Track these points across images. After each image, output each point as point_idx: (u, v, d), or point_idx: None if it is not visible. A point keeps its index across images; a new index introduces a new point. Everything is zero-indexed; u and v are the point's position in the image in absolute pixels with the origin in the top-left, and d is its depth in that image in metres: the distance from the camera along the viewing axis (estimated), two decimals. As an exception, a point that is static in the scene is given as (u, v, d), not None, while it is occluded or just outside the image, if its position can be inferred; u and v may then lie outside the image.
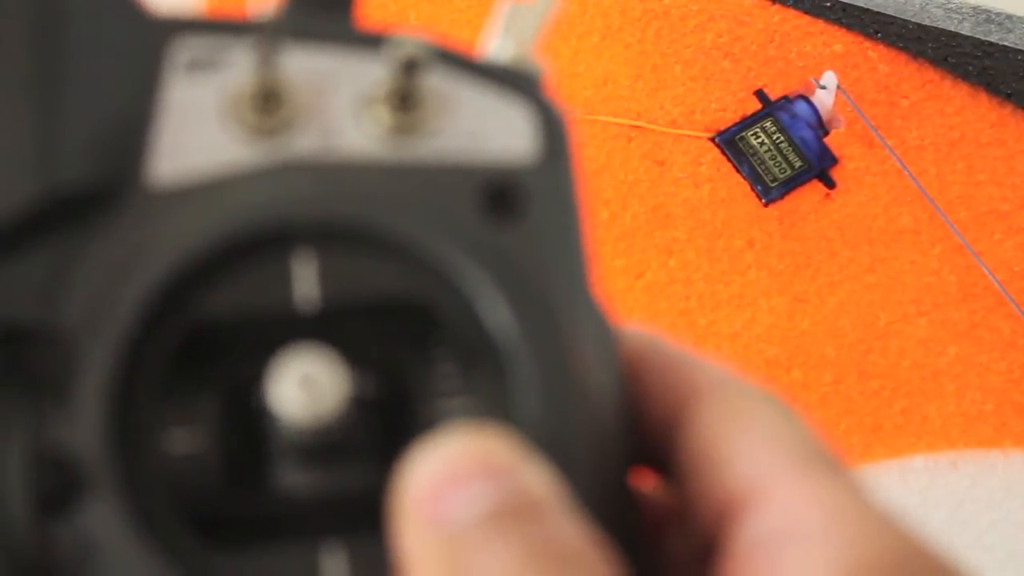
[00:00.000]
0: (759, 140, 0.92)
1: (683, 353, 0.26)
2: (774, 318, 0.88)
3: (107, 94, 0.24)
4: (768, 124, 0.93)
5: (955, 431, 0.86)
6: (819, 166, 0.92)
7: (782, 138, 0.92)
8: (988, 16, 0.94)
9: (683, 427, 0.24)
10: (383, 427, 0.24)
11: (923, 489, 0.85)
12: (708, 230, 0.90)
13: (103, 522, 0.22)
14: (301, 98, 0.25)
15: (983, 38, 0.93)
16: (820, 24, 0.95)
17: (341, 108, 0.25)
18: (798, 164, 0.92)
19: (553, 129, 0.25)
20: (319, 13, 0.27)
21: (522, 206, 0.25)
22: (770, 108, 0.93)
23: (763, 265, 0.89)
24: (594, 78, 0.93)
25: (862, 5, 0.94)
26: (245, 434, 0.24)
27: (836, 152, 0.92)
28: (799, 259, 0.90)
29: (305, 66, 0.25)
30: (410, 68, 0.24)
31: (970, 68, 0.94)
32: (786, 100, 0.93)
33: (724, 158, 0.92)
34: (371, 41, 0.26)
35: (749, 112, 0.93)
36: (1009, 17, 0.94)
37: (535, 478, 0.22)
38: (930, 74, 0.94)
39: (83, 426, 0.22)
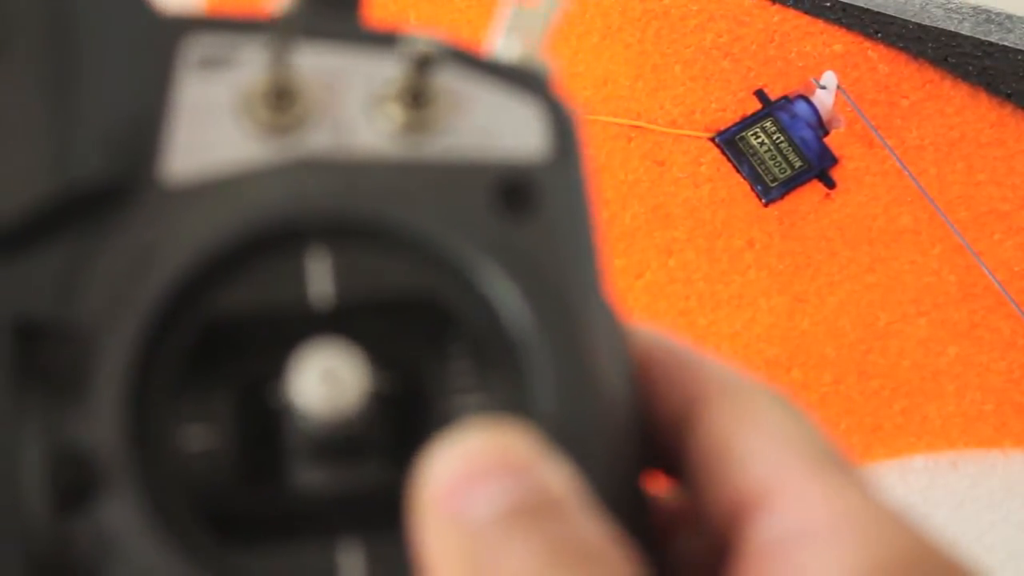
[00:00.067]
0: (759, 140, 0.92)
1: (691, 352, 0.26)
2: (774, 318, 0.88)
3: (120, 92, 0.24)
4: (768, 124, 0.93)
5: (955, 431, 0.86)
6: (819, 166, 0.92)
7: (782, 138, 0.92)
8: (988, 16, 0.94)
9: (693, 427, 0.24)
10: (398, 424, 0.24)
11: (923, 489, 0.85)
12: (708, 230, 0.90)
13: (120, 518, 0.22)
14: (314, 96, 0.25)
15: (983, 38, 0.93)
16: (820, 24, 0.95)
17: (353, 106, 0.25)
18: (798, 164, 0.92)
19: (563, 127, 0.26)
20: (326, 11, 0.27)
21: (536, 202, 0.25)
22: (770, 108, 0.93)
23: (763, 265, 0.89)
24: (594, 78, 0.93)
25: (862, 5, 0.94)
26: (260, 432, 0.24)
27: (836, 152, 0.92)
28: (799, 259, 0.90)
29: (317, 64, 0.25)
30: (423, 66, 0.24)
31: (970, 68, 0.94)
32: (786, 100, 0.93)
33: (724, 158, 0.92)
34: (382, 40, 0.26)
35: (749, 112, 0.93)
36: (1009, 17, 0.94)
37: (554, 475, 0.22)
38: (930, 74, 0.94)
39: (100, 422, 0.22)
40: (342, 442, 0.23)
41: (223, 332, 0.24)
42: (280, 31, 0.24)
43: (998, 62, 0.93)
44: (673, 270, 0.89)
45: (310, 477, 0.24)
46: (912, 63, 0.95)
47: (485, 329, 0.24)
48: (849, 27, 0.95)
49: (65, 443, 0.22)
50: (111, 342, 0.23)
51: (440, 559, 0.21)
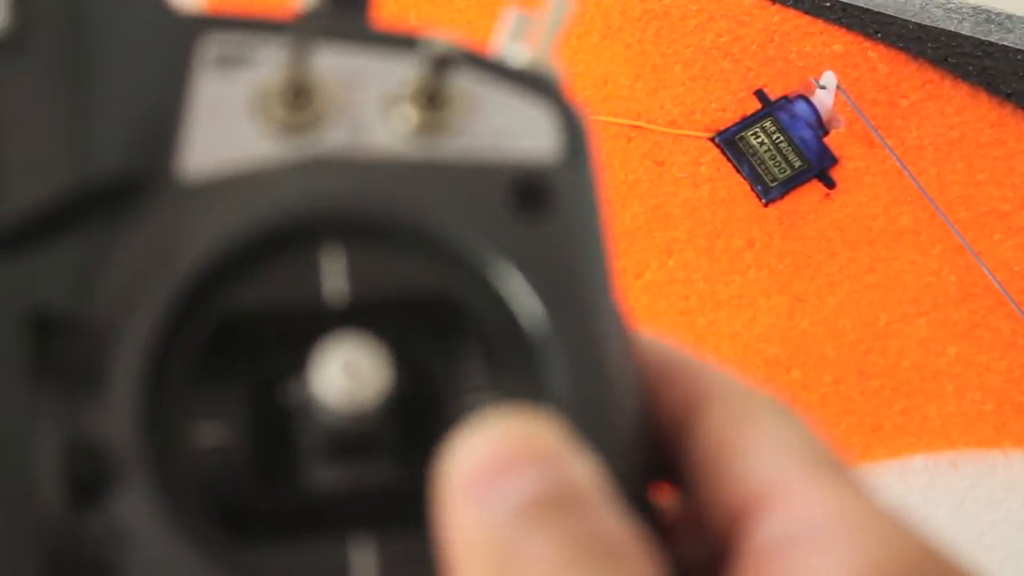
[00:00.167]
0: (759, 140, 0.92)
1: (690, 359, 0.26)
2: (774, 318, 0.88)
3: (138, 89, 0.25)
4: (768, 124, 0.93)
5: (955, 431, 0.86)
6: (819, 166, 0.92)
7: (782, 138, 0.92)
8: (988, 16, 0.94)
9: (693, 431, 0.25)
10: (409, 423, 0.24)
11: (923, 489, 0.85)
12: (708, 230, 0.90)
13: (134, 512, 0.22)
14: (330, 95, 0.25)
15: (983, 38, 0.93)
16: (820, 24, 0.95)
17: (369, 106, 0.25)
18: (798, 164, 0.92)
19: (575, 131, 0.26)
20: (336, 12, 0.27)
21: (551, 203, 0.25)
22: (770, 108, 0.93)
23: (763, 265, 0.89)
24: (594, 78, 0.93)
25: (862, 5, 0.94)
26: (272, 430, 0.24)
27: (836, 152, 0.92)
28: (799, 259, 0.90)
29: (334, 63, 0.26)
30: (441, 66, 0.25)
31: (970, 68, 0.94)
32: (786, 100, 0.93)
33: (724, 158, 0.92)
34: (397, 41, 0.26)
35: (749, 112, 0.93)
36: (1009, 17, 0.94)
37: (580, 467, 0.22)
38: (930, 74, 0.94)
39: (115, 417, 0.23)
40: (355, 439, 0.24)
41: (237, 329, 0.24)
42: (302, 30, 0.24)
43: (998, 62, 0.93)
44: (673, 270, 0.89)
45: (322, 475, 0.24)
46: (912, 63, 0.95)
47: (499, 328, 0.24)
48: (849, 27, 0.95)
49: (80, 436, 0.22)
50: (127, 337, 0.23)
51: (464, 546, 0.21)
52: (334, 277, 0.24)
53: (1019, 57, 0.93)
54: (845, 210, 0.91)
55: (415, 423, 0.24)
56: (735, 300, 0.89)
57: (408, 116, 0.25)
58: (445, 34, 0.25)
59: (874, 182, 0.92)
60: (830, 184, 0.91)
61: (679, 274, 0.89)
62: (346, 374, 0.23)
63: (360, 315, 0.24)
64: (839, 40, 0.95)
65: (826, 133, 0.93)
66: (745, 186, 0.91)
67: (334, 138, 0.25)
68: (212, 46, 0.25)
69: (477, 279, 0.24)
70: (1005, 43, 0.93)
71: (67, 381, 0.23)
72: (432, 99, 0.25)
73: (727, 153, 0.92)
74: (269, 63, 0.25)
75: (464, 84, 0.26)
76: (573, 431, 0.23)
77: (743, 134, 0.92)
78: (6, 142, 0.23)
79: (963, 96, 0.94)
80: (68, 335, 0.23)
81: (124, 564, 0.22)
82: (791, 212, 0.91)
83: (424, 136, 0.25)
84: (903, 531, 0.22)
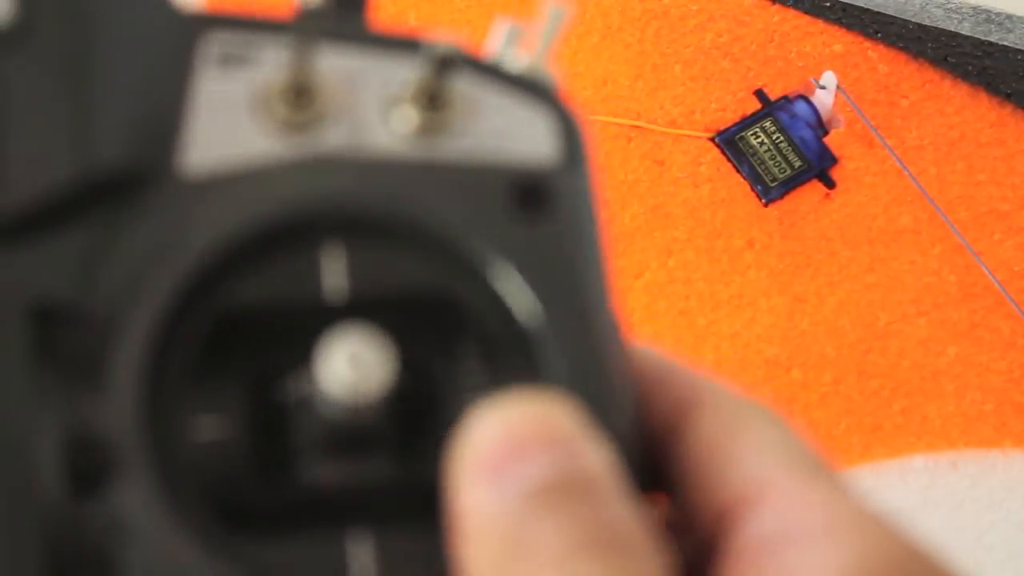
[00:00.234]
0: (759, 140, 0.92)
1: (678, 366, 0.26)
2: (774, 318, 0.88)
3: (140, 85, 0.25)
4: (768, 124, 0.93)
5: (955, 431, 0.86)
6: (819, 166, 0.92)
7: (782, 138, 0.92)
8: (988, 16, 0.94)
9: (683, 437, 0.25)
10: (408, 420, 0.24)
11: (923, 489, 0.85)
12: (708, 230, 0.90)
13: (134, 503, 0.22)
14: (331, 94, 0.25)
15: (983, 38, 0.93)
16: (820, 24, 0.95)
17: (370, 106, 0.26)
18: (798, 164, 0.92)
19: (573, 135, 0.26)
20: (335, 12, 0.27)
21: (551, 205, 0.25)
22: (770, 108, 0.93)
23: (763, 265, 0.89)
24: (594, 78, 0.93)
25: (862, 5, 0.94)
26: (269, 426, 0.24)
27: (836, 152, 0.92)
28: (799, 259, 0.90)
29: (335, 64, 0.26)
30: (443, 68, 0.25)
31: (970, 68, 0.94)
32: (786, 100, 0.93)
33: (724, 158, 0.92)
34: (398, 43, 0.26)
35: (749, 112, 0.93)
36: (1009, 17, 0.94)
37: (593, 453, 0.22)
38: (930, 74, 0.94)
39: (116, 408, 0.23)
40: (354, 435, 0.24)
41: (237, 324, 0.24)
42: (305, 30, 0.24)
43: (998, 62, 0.93)
44: (673, 270, 0.89)
45: (320, 470, 0.24)
46: (912, 63, 0.95)
47: (498, 327, 0.24)
48: (849, 27, 0.95)
49: (81, 427, 0.23)
50: (128, 329, 0.23)
51: (473, 529, 0.21)
52: (334, 275, 0.24)
53: (1019, 57, 0.93)
54: (845, 210, 0.91)
55: (413, 420, 0.25)
56: (735, 300, 0.89)
57: (409, 117, 0.25)
58: (447, 36, 0.25)
59: (874, 182, 0.92)
60: (830, 184, 0.92)
61: (679, 274, 0.89)
62: (352, 366, 0.23)
63: (359, 313, 0.24)
64: (839, 40, 0.95)
65: (826, 133, 0.93)
66: (745, 186, 0.91)
67: (335, 137, 0.25)
68: (214, 44, 0.26)
69: (476, 279, 0.25)
70: (1005, 43, 0.93)
71: (68, 372, 0.23)
72: (433, 100, 0.25)
73: (727, 153, 0.92)
74: (271, 62, 0.26)
75: (465, 87, 0.26)
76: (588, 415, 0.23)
77: (743, 134, 0.92)
78: (9, 133, 0.24)
79: (963, 96, 0.94)
80: (70, 326, 0.23)
81: (124, 555, 0.22)
82: (791, 212, 0.91)
83: (424, 137, 0.25)
84: (889, 531, 0.22)
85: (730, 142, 0.92)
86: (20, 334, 0.23)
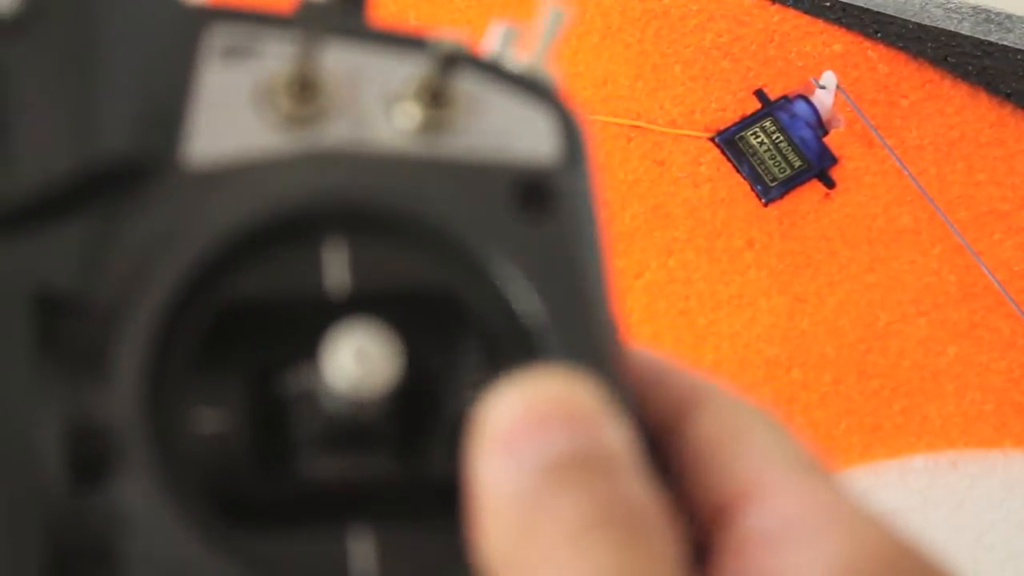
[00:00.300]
0: (759, 140, 0.92)
1: (675, 368, 0.26)
2: (774, 318, 0.88)
3: (144, 76, 0.25)
4: (768, 124, 0.93)
5: (955, 431, 0.86)
6: (819, 166, 0.92)
7: (782, 138, 0.92)
8: (988, 16, 0.94)
9: (681, 437, 0.25)
10: (409, 416, 0.25)
11: (923, 489, 0.85)
12: (708, 230, 0.90)
13: (134, 494, 0.22)
14: (335, 90, 0.26)
15: (983, 38, 0.94)
16: (820, 24, 0.95)
17: (373, 102, 0.26)
18: (798, 164, 0.92)
19: (573, 135, 0.26)
20: (338, 7, 0.27)
21: (552, 204, 0.25)
22: (770, 108, 0.93)
23: (763, 265, 0.89)
24: (594, 78, 0.93)
25: (862, 5, 0.94)
26: (270, 420, 0.25)
27: (836, 152, 0.92)
28: (799, 259, 0.90)
29: (339, 59, 0.26)
30: (448, 65, 0.25)
31: (970, 68, 0.94)
32: (786, 100, 0.93)
33: (724, 158, 0.92)
34: (402, 40, 0.26)
35: (749, 112, 0.93)
36: (1009, 17, 0.94)
37: (612, 432, 0.22)
38: (930, 74, 0.94)
39: (118, 399, 0.23)
40: (356, 430, 0.24)
41: (239, 317, 0.24)
42: (310, 24, 0.25)
43: (998, 62, 0.93)
44: (673, 270, 0.89)
45: (321, 465, 0.24)
46: (912, 63, 0.95)
47: (500, 324, 0.25)
48: (849, 27, 0.95)
49: (82, 417, 0.23)
50: (130, 320, 0.23)
51: (489, 500, 0.22)
52: (336, 269, 0.25)
53: (1019, 57, 0.93)
54: (845, 210, 0.91)
55: (414, 417, 0.25)
56: (735, 300, 0.89)
57: (411, 113, 0.26)
58: (450, 34, 0.25)
59: (874, 182, 0.92)
60: (830, 184, 0.92)
61: (679, 274, 0.89)
62: (357, 361, 0.23)
63: (361, 308, 0.24)
64: (839, 40, 0.95)
65: (826, 133, 0.93)
66: (745, 186, 0.91)
67: (337, 132, 0.25)
68: (218, 37, 0.26)
69: (477, 277, 0.25)
70: (1005, 43, 0.93)
71: (70, 362, 0.23)
72: (436, 98, 0.26)
73: (727, 153, 0.92)
74: (275, 56, 0.26)
75: (468, 85, 0.26)
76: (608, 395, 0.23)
77: (743, 134, 0.92)
78: (13, 122, 0.24)
79: (963, 96, 0.94)
80: (72, 316, 0.23)
81: (125, 546, 0.22)
82: (791, 212, 0.91)
83: (427, 134, 0.25)
84: (881, 529, 0.23)
85: (730, 142, 0.92)
86: (23, 324, 0.23)
